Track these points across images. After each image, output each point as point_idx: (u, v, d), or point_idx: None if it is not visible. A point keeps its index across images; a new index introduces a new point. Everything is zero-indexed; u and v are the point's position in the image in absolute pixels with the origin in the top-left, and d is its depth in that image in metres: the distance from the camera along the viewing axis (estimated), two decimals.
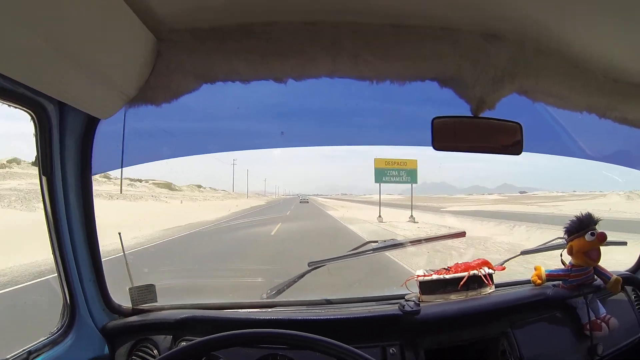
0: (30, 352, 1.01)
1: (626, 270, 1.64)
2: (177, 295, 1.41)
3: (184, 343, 1.12)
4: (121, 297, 1.31)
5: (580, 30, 1.06)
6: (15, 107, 0.97)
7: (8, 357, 0.97)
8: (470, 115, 1.12)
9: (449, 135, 1.08)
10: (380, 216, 17.02)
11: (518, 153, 1.15)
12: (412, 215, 16.39)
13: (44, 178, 1.07)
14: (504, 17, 1.00)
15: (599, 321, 1.31)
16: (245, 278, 5.21)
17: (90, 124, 1.11)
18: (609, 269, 1.36)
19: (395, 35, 0.99)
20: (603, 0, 0.90)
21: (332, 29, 0.96)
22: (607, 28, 1.03)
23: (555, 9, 0.96)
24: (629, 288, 1.54)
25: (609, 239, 1.35)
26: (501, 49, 1.08)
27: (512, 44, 1.09)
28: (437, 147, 1.06)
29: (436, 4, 0.94)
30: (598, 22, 1.01)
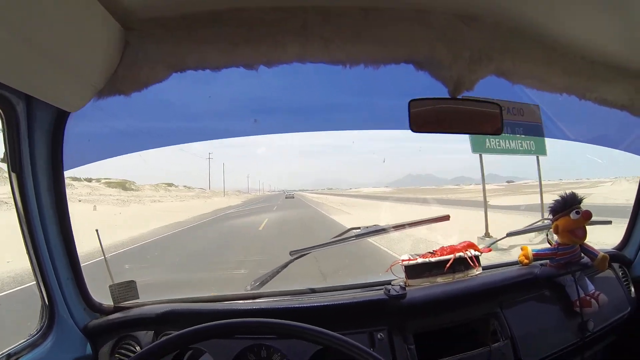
0: (9, 356, 0.99)
1: (612, 248, 1.65)
2: (160, 292, 1.38)
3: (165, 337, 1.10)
4: (102, 296, 1.28)
5: (558, 11, 1.06)
6: None
7: None
8: (449, 97, 1.11)
9: (427, 117, 1.07)
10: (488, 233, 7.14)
11: (499, 133, 1.15)
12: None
13: (13, 175, 1.04)
14: None
15: (588, 298, 1.33)
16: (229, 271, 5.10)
17: (60, 118, 1.08)
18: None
19: (365, 18, 0.98)
20: None
21: (301, 13, 0.95)
22: (585, 9, 1.03)
23: None
24: (615, 265, 1.56)
25: (594, 218, 1.36)
26: (477, 30, 1.07)
27: (488, 25, 1.08)
28: (415, 129, 1.05)
29: None
30: (576, 3, 1.00)
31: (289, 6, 0.95)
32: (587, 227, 1.32)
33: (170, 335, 0.77)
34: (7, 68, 0.81)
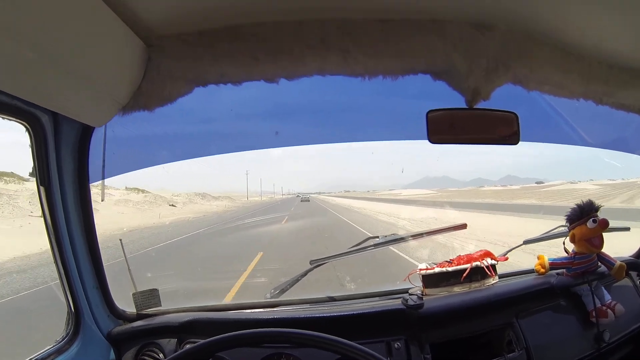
0: None
1: (630, 256, 1.65)
2: (181, 299, 1.42)
3: (188, 345, 1.14)
4: (125, 303, 1.33)
5: (573, 17, 1.06)
6: (10, 120, 1.00)
7: None
8: (465, 107, 1.13)
9: (445, 128, 1.09)
10: None
11: (515, 143, 1.16)
12: None
13: (42, 188, 1.09)
14: (493, 5, 1.01)
15: (604, 308, 1.32)
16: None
17: (85, 132, 1.13)
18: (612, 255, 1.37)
19: (383, 30, 1.00)
20: None
21: (319, 26, 0.97)
22: (600, 14, 1.03)
23: None
24: (633, 273, 1.55)
25: (612, 225, 1.36)
26: (493, 39, 1.08)
27: (504, 33, 1.09)
28: (433, 140, 1.07)
29: None
30: (591, 7, 1.01)
31: (307, 19, 0.98)
32: (604, 235, 1.32)
33: (196, 344, 0.81)
34: (33, 86, 0.85)
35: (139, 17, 0.90)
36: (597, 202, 1.34)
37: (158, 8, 0.91)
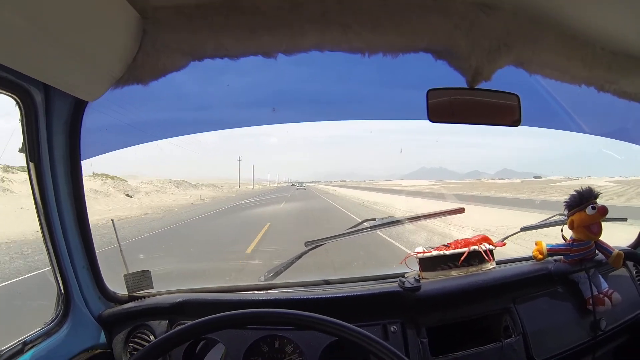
0: (25, 343, 1.01)
1: (627, 246, 1.66)
2: (173, 282, 1.40)
3: (179, 327, 1.12)
4: (116, 285, 1.31)
5: (579, 1, 1.06)
6: (1, 93, 0.97)
7: (2, 348, 0.97)
8: (466, 87, 1.12)
9: (445, 107, 1.08)
10: None
11: (516, 124, 1.16)
12: None
13: (31, 165, 1.07)
14: None
15: (601, 296, 1.33)
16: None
17: (78, 107, 1.10)
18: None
19: (384, 5, 0.98)
20: None
21: (319, 0, 0.96)
22: (604, 0, 1.03)
23: None
24: (630, 263, 1.56)
25: (609, 214, 1.36)
26: (496, 19, 1.07)
27: (507, 14, 1.08)
28: (433, 119, 1.06)
29: None
30: None
31: None
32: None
33: (185, 325, 0.79)
34: (25, 57, 0.83)
35: None
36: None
37: None
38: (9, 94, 0.99)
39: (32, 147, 1.05)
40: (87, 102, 1.10)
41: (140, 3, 0.94)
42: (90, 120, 1.11)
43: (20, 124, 1.06)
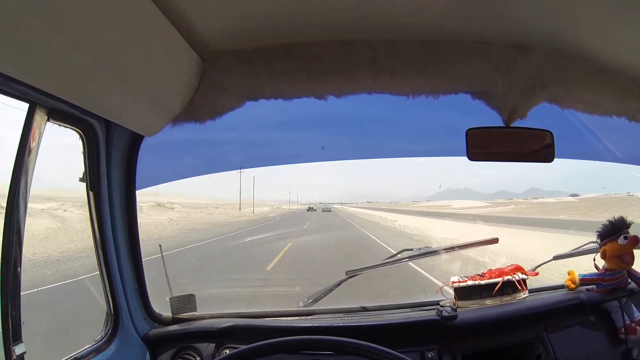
0: (76, 359, 1.10)
1: None
2: (215, 305, 1.49)
3: (227, 351, 1.21)
4: (161, 307, 1.40)
5: (606, 36, 1.12)
6: (66, 127, 1.08)
7: None
8: (503, 125, 1.19)
9: (483, 146, 1.16)
10: None
11: (550, 160, 1.22)
12: None
13: (91, 193, 1.18)
14: (532, 27, 1.08)
15: (633, 325, 1.35)
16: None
17: (135, 141, 1.21)
18: None
19: (428, 51, 1.07)
20: (625, 5, 0.96)
21: (369, 47, 1.05)
22: (632, 32, 1.09)
23: (581, 18, 1.02)
24: None
25: None
26: (530, 60, 1.15)
27: (541, 54, 1.16)
28: (472, 157, 1.14)
29: (465, 20, 1.02)
30: (622, 29, 1.07)
31: (358, 39, 1.05)
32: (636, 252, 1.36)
33: (240, 349, 0.87)
34: (91, 95, 0.93)
35: (196, 32, 0.98)
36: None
37: (215, 25, 0.99)
38: (74, 128, 1.09)
39: (92, 177, 1.16)
40: (144, 137, 1.21)
41: (202, 46, 1.04)
42: (145, 153, 1.21)
43: (82, 155, 1.17)
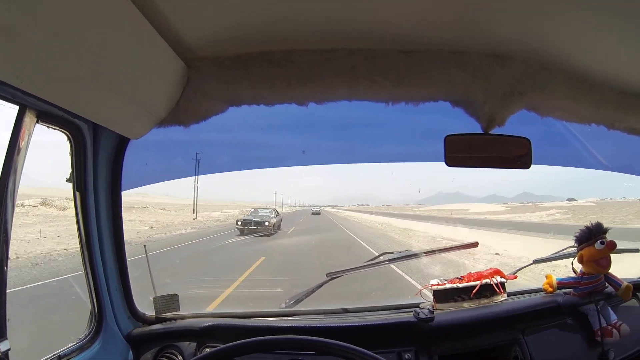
0: (60, 357, 1.14)
1: (638, 277, 1.75)
2: (198, 305, 1.54)
3: (207, 349, 1.26)
4: (145, 306, 1.45)
5: (587, 46, 1.17)
6: (54, 129, 1.12)
7: None
8: (481, 132, 1.25)
9: (461, 152, 1.22)
10: None
11: (527, 167, 1.28)
12: None
13: (77, 194, 1.22)
14: (509, 37, 1.12)
15: (610, 327, 1.40)
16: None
17: (122, 143, 1.26)
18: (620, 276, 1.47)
19: (406, 60, 1.12)
20: (605, 16, 1.00)
21: (348, 55, 1.10)
22: (611, 42, 1.14)
23: (559, 28, 1.06)
24: None
25: (620, 246, 1.46)
26: (508, 68, 1.20)
27: (519, 63, 1.21)
28: (450, 163, 1.20)
29: (443, 30, 1.07)
30: (601, 37, 1.11)
31: (337, 48, 1.10)
32: (615, 256, 1.42)
33: (218, 347, 0.92)
34: (79, 99, 0.97)
35: (181, 39, 1.02)
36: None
37: (199, 32, 1.04)
38: (63, 130, 1.14)
39: (79, 178, 1.20)
40: (130, 139, 1.26)
41: (186, 53, 1.09)
42: (131, 155, 1.26)
43: (69, 156, 1.22)
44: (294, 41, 1.08)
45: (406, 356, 1.23)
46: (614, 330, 1.41)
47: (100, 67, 0.88)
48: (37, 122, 0.97)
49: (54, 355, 1.13)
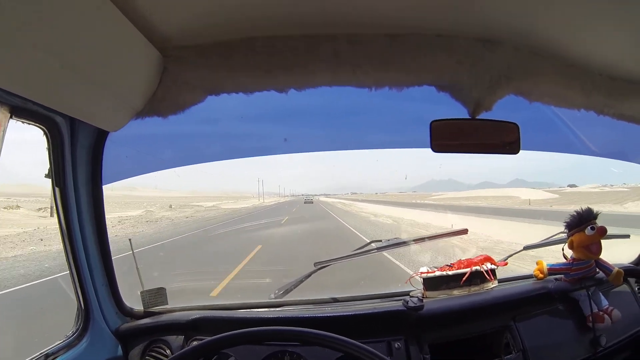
0: (47, 355, 1.14)
1: (629, 263, 1.77)
2: (187, 298, 1.55)
3: (195, 342, 1.27)
4: (133, 301, 1.46)
5: (576, 31, 1.17)
6: (30, 124, 1.11)
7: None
8: (468, 117, 1.25)
9: (447, 137, 1.21)
10: None
11: (516, 152, 1.28)
12: None
13: (57, 189, 1.21)
14: (498, 22, 1.11)
15: (601, 313, 1.43)
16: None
17: (100, 136, 1.25)
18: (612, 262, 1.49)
19: (391, 45, 1.11)
20: (597, 2, 1.00)
21: (331, 41, 1.09)
22: (602, 28, 1.14)
23: (550, 12, 1.06)
24: (631, 280, 1.67)
25: (611, 232, 1.48)
26: (497, 53, 1.19)
27: (508, 48, 1.20)
28: (436, 149, 1.20)
29: (430, 13, 1.06)
30: (593, 23, 1.11)
31: (320, 34, 1.09)
32: (606, 241, 1.43)
33: (203, 341, 0.92)
34: (53, 93, 0.96)
35: (155, 28, 1.01)
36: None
37: (175, 20, 1.02)
38: (38, 125, 1.13)
39: (57, 173, 1.19)
40: (109, 132, 1.24)
41: (162, 42, 1.07)
42: (111, 148, 1.25)
43: (47, 152, 1.21)
44: (275, 27, 1.06)
45: (396, 345, 1.24)
46: (606, 315, 1.43)
47: (72, 58, 0.87)
48: (10, 117, 0.96)
49: (41, 354, 1.13)
